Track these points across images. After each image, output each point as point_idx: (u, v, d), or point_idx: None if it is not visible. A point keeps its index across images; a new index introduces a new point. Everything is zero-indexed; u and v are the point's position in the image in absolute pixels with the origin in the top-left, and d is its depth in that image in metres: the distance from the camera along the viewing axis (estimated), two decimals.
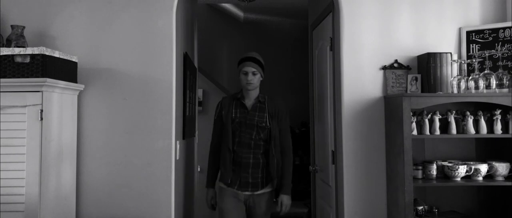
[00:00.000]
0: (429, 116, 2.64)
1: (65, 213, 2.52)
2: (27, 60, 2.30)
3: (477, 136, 2.62)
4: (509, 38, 2.77)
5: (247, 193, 2.74)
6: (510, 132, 2.60)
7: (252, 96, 2.80)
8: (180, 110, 3.06)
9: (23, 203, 2.22)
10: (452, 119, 2.64)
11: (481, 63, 2.77)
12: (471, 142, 2.87)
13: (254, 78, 2.74)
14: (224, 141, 2.76)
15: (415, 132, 2.58)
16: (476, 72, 2.67)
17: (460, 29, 2.88)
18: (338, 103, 2.90)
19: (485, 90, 2.60)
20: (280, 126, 2.79)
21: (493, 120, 2.63)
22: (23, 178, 2.22)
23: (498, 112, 2.61)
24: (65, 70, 2.48)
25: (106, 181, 2.69)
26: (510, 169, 2.62)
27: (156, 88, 2.73)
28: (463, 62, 2.75)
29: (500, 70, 2.64)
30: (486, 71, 2.64)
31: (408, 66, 2.83)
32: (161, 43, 2.75)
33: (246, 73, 2.74)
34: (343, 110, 2.80)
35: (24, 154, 2.23)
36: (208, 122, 5.37)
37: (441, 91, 2.69)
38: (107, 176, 2.69)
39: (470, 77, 2.65)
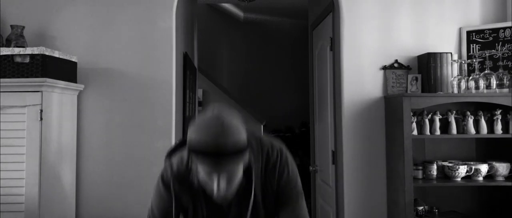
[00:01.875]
0: (429, 116, 2.63)
1: (65, 213, 2.52)
2: (27, 60, 2.29)
3: (478, 136, 2.62)
4: (509, 38, 2.77)
5: None
6: (511, 132, 2.60)
7: None
8: (180, 110, 3.06)
9: (23, 203, 2.21)
10: (452, 119, 2.63)
11: (482, 63, 2.77)
12: (472, 142, 2.87)
13: (229, 186, 1.26)
14: None
15: (415, 132, 2.58)
16: (477, 72, 2.67)
17: (460, 29, 2.88)
18: (338, 104, 2.90)
19: (485, 90, 2.60)
20: (284, 195, 1.41)
21: (494, 120, 2.63)
22: (23, 178, 2.22)
23: (499, 112, 2.60)
24: (65, 70, 2.48)
25: (106, 181, 2.68)
26: (510, 169, 2.61)
27: (156, 88, 2.72)
28: (463, 62, 2.75)
29: (500, 70, 2.64)
30: (486, 71, 2.64)
31: (408, 66, 2.83)
32: (161, 43, 2.74)
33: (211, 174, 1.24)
34: (343, 110, 2.80)
35: (24, 154, 2.23)
36: None
37: (441, 91, 2.69)
38: (107, 176, 2.69)
39: (471, 77, 2.65)
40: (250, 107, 5.89)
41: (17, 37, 2.53)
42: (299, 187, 1.43)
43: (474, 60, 2.73)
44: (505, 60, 2.75)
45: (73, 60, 2.59)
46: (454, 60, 2.75)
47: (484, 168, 2.59)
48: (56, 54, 2.40)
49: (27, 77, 2.28)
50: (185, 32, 3.40)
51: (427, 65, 2.72)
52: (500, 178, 2.60)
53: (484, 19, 2.90)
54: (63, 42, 2.73)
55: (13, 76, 2.28)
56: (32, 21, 2.71)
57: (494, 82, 2.59)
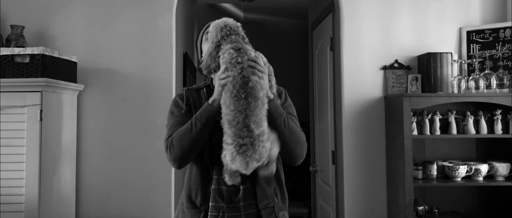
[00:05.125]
0: (430, 116, 2.63)
1: (65, 213, 2.52)
2: (27, 60, 2.29)
3: (478, 136, 2.62)
4: (509, 38, 2.77)
5: None
6: (511, 132, 2.60)
7: None
8: None
9: (23, 203, 2.21)
10: (452, 119, 2.63)
11: (482, 63, 2.77)
12: (472, 142, 2.87)
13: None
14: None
15: (415, 132, 2.58)
16: (477, 72, 2.67)
17: (460, 29, 2.88)
18: (338, 103, 2.89)
19: (485, 90, 2.60)
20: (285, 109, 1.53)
21: (494, 120, 2.63)
22: (23, 178, 2.22)
23: (499, 112, 2.60)
24: (64, 70, 2.48)
25: (105, 181, 2.68)
26: (510, 169, 2.61)
27: (156, 88, 2.72)
28: (463, 62, 2.75)
29: (500, 70, 2.64)
30: (486, 71, 2.64)
31: (408, 66, 2.83)
32: (161, 43, 2.74)
33: None
34: (343, 110, 2.80)
35: (24, 154, 2.23)
36: None
37: (441, 91, 2.69)
38: (107, 176, 2.69)
39: (471, 77, 2.65)
40: None
41: (17, 37, 2.53)
42: (296, 115, 1.59)
43: (474, 60, 2.73)
44: (505, 60, 2.75)
45: (73, 60, 2.59)
46: (454, 60, 2.75)
47: (484, 168, 2.59)
48: (56, 54, 2.40)
49: (27, 77, 2.28)
50: (185, 32, 3.40)
51: (427, 65, 2.72)
52: (500, 178, 2.60)
53: (484, 19, 2.90)
54: (63, 42, 2.73)
55: (13, 76, 2.28)
56: (32, 21, 2.71)
57: (494, 82, 2.59)
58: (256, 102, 1.28)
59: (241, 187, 1.46)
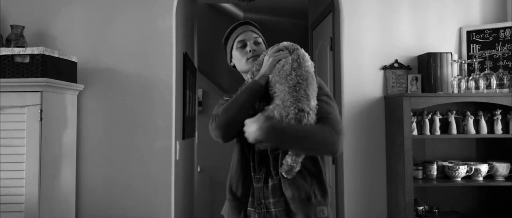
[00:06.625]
0: (430, 116, 2.63)
1: (65, 213, 2.52)
2: (27, 60, 2.29)
3: (478, 136, 2.62)
4: (509, 38, 2.77)
5: None
6: (511, 132, 2.60)
7: None
8: (180, 110, 3.05)
9: (23, 203, 2.21)
10: (452, 119, 2.63)
11: (482, 63, 2.77)
12: (472, 142, 2.87)
13: (258, 48, 1.67)
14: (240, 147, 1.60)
15: (415, 132, 2.58)
16: (477, 72, 2.67)
17: (460, 29, 2.88)
18: (338, 103, 2.89)
19: (485, 90, 2.60)
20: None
21: (494, 120, 2.63)
22: (23, 178, 2.22)
23: (499, 112, 2.61)
24: (64, 70, 2.48)
25: (105, 181, 2.68)
26: (510, 169, 2.61)
27: (156, 88, 2.72)
28: (463, 62, 2.75)
29: (500, 70, 2.64)
30: (486, 71, 2.64)
31: (408, 66, 2.83)
32: (161, 43, 2.74)
33: (245, 46, 1.67)
34: (343, 110, 2.80)
35: (24, 154, 2.23)
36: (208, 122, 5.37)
37: (441, 91, 2.69)
38: (107, 176, 2.69)
39: (471, 77, 2.65)
40: None
41: (17, 37, 2.53)
42: (327, 95, 1.70)
43: (474, 60, 2.73)
44: (505, 60, 2.75)
45: (73, 60, 2.59)
46: (454, 60, 2.75)
47: (484, 168, 2.59)
48: (56, 54, 2.40)
49: (27, 77, 2.28)
50: (185, 32, 3.40)
51: (427, 65, 2.72)
52: (500, 178, 2.61)
53: (484, 19, 2.90)
54: (63, 42, 2.73)
55: (13, 76, 2.28)
56: (32, 21, 2.71)
57: (494, 82, 2.60)
58: (312, 80, 1.43)
59: (269, 184, 1.53)
